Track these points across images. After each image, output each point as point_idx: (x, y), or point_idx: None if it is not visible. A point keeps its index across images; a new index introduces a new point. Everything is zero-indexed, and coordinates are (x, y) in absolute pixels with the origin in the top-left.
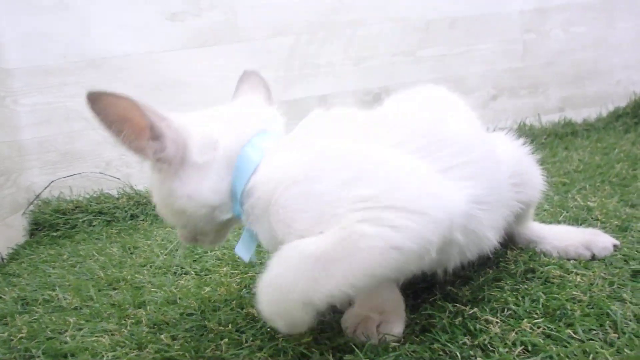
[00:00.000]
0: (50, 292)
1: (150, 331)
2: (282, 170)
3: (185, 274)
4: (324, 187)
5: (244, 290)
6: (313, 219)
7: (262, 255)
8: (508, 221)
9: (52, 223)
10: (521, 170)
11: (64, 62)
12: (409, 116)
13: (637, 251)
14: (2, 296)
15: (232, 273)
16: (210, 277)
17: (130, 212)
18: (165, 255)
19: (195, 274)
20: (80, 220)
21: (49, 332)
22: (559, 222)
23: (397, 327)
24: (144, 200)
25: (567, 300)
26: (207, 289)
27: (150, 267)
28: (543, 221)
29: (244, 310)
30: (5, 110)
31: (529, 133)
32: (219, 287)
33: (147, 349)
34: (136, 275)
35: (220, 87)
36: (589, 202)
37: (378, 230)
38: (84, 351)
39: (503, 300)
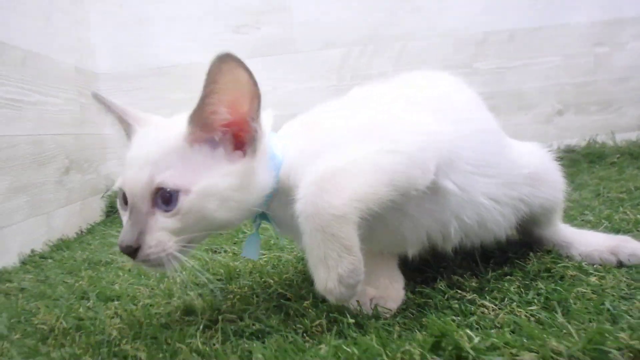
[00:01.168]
0: (112, 256)
1: (181, 289)
2: (304, 153)
3: (224, 251)
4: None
5: (269, 266)
6: None
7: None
8: (521, 215)
9: None
10: (542, 168)
11: (140, 69)
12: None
13: None
14: (76, 258)
15: (263, 253)
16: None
17: None
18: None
19: (232, 253)
20: None
21: (104, 283)
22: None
23: (391, 303)
24: None
25: (573, 296)
26: (237, 263)
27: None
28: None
29: (263, 279)
30: (92, 108)
31: (599, 151)
32: (248, 262)
33: (175, 299)
34: None
35: (276, 94)
36: (638, 216)
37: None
38: (127, 297)
39: (506, 290)
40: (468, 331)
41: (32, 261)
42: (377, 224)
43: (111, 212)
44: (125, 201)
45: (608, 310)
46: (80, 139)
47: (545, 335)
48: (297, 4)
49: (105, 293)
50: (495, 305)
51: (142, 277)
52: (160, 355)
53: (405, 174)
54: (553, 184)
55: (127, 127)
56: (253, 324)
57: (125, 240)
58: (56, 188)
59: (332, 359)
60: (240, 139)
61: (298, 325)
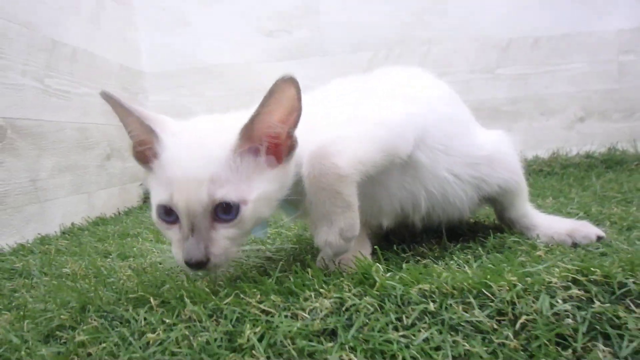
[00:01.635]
0: (138, 229)
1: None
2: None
3: None
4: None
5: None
6: None
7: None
8: (483, 194)
9: None
10: (499, 152)
11: (180, 68)
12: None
13: (620, 242)
14: (108, 231)
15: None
16: None
17: None
18: None
19: None
20: None
21: (126, 247)
22: None
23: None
24: None
25: (510, 263)
26: None
27: None
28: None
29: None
30: (137, 104)
31: (619, 158)
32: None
33: None
34: None
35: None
36: (615, 209)
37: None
38: (141, 256)
39: (457, 258)
40: (381, 266)
41: (71, 232)
42: (357, 196)
43: (147, 198)
44: (169, 215)
45: (520, 264)
46: (122, 129)
47: (445, 274)
48: (326, 9)
49: (125, 253)
50: (443, 266)
51: (158, 242)
52: (154, 290)
53: (393, 142)
54: (508, 166)
55: (142, 131)
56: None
57: (194, 257)
58: (98, 171)
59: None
60: (278, 146)
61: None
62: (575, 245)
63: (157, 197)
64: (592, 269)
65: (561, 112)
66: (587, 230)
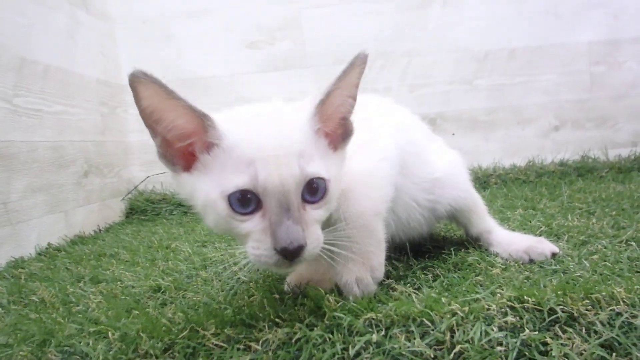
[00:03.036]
0: (116, 249)
1: (159, 274)
2: None
3: (215, 248)
4: None
5: None
6: None
7: None
8: (439, 214)
9: (143, 209)
10: (448, 173)
11: (165, 81)
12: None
13: (571, 258)
14: (86, 250)
15: None
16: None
17: None
18: (206, 235)
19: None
20: (164, 209)
21: (100, 269)
22: (535, 235)
23: (326, 284)
24: None
25: (467, 281)
26: (218, 254)
27: (194, 241)
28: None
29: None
30: (116, 118)
31: (590, 166)
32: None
33: (151, 281)
34: (179, 245)
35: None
36: (576, 222)
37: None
38: (114, 280)
39: (418, 277)
40: (331, 297)
41: (47, 253)
42: None
43: (130, 213)
44: (247, 204)
45: (475, 285)
46: (101, 145)
47: (391, 303)
48: (308, 21)
49: (98, 277)
50: (404, 288)
51: (135, 265)
52: (115, 322)
53: (393, 175)
54: (457, 185)
55: (188, 120)
56: (205, 301)
57: (295, 240)
58: (75, 189)
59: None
60: (335, 132)
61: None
62: (532, 261)
63: (229, 185)
64: (525, 296)
65: (536, 121)
66: (542, 247)
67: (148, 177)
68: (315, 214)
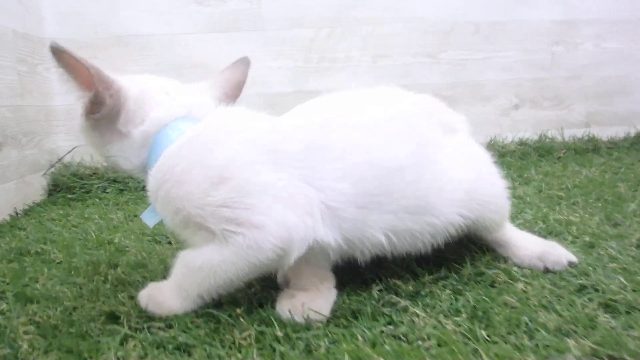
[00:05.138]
0: (43, 246)
1: (111, 289)
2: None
3: (168, 243)
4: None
5: None
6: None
7: None
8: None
9: (70, 186)
10: (478, 184)
11: (95, 38)
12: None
13: (591, 267)
14: (3, 245)
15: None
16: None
17: (142, 183)
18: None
19: (175, 244)
20: (95, 186)
21: (26, 279)
22: (533, 233)
23: (319, 306)
24: None
25: (499, 304)
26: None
27: (141, 234)
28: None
29: None
30: (37, 77)
31: (548, 146)
32: None
33: (101, 303)
34: (124, 239)
35: None
36: (571, 217)
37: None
38: (48, 299)
39: (438, 297)
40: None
41: None
42: None
43: (54, 190)
44: None
45: (526, 323)
46: (19, 110)
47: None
48: None
49: (25, 293)
50: (426, 313)
51: (73, 272)
52: None
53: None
54: (490, 198)
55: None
56: (179, 335)
57: None
58: None
59: None
60: None
61: (227, 337)
62: (546, 269)
63: None
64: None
65: (497, 99)
66: (557, 254)
67: (75, 147)
68: None
